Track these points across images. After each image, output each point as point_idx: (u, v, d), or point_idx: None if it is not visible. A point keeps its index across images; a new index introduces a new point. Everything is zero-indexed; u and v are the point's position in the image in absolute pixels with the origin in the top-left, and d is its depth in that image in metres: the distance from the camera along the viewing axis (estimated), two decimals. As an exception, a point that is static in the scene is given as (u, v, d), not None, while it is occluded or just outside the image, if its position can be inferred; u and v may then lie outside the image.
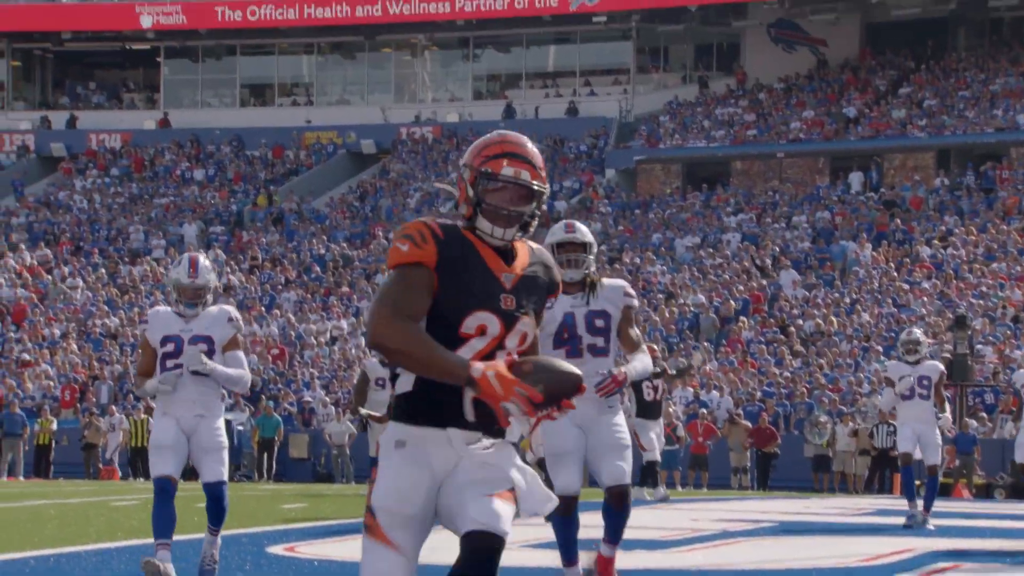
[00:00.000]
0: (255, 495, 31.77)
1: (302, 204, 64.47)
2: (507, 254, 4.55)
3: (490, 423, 4.45)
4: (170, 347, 11.87)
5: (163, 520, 11.87)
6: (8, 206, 65.74)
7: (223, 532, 15.34)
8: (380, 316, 4.36)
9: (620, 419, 10.56)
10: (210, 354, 11.93)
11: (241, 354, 12.63)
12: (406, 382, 4.56)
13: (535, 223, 4.62)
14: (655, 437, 25.39)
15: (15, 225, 64.22)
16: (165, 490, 11.85)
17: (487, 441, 4.44)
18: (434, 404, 4.46)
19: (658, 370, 22.81)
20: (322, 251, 59.62)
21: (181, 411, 11.97)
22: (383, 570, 4.38)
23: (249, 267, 58.00)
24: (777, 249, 50.80)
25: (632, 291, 10.88)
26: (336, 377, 48.74)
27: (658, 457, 26.75)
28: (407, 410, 4.55)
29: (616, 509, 10.32)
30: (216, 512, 12.33)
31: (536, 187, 4.53)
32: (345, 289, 57.43)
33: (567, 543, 10.79)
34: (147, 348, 12.13)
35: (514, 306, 4.49)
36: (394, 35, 70.78)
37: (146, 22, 66.77)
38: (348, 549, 16.04)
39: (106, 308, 55.08)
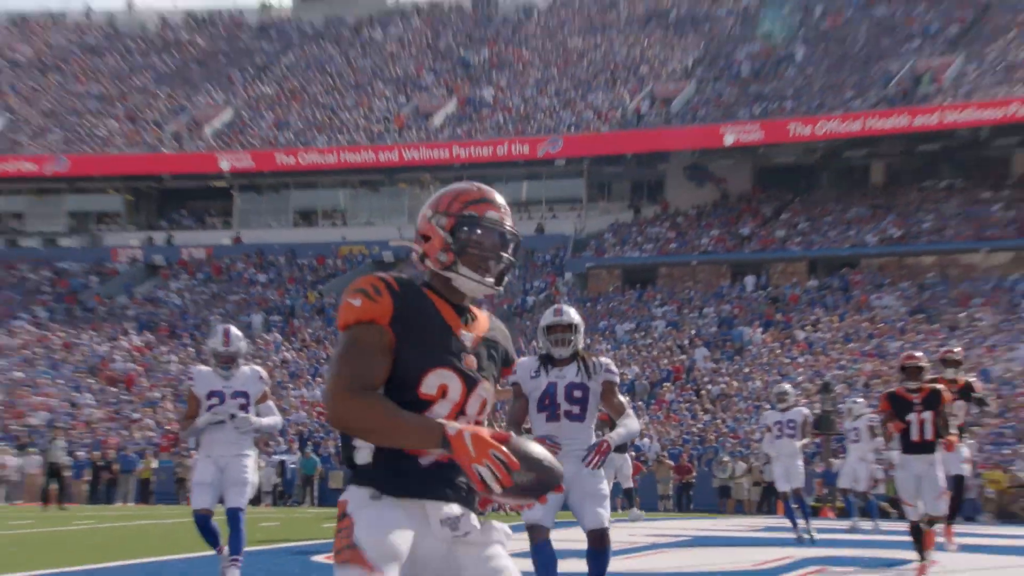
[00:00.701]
0: (302, 518, 32.19)
1: (338, 299, 62.55)
2: (465, 314, 3.89)
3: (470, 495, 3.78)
4: (215, 400, 11.99)
5: (208, 538, 12.30)
6: (122, 302, 63.01)
7: (277, 545, 17.93)
8: (337, 394, 3.54)
9: (600, 472, 9.88)
10: (246, 407, 12.03)
11: (271, 403, 12.64)
12: (364, 454, 3.74)
13: (510, 271, 4.00)
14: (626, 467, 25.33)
15: (128, 316, 61.82)
16: (202, 520, 12.03)
17: (471, 520, 3.68)
18: (400, 474, 3.69)
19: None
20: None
21: (219, 451, 12.13)
22: None
23: (300, 346, 56.57)
24: (693, 332, 51.62)
25: (614, 368, 10.20)
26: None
27: (631, 484, 26.62)
28: (373, 482, 3.69)
29: (597, 549, 9.86)
30: (235, 541, 12.26)
31: (514, 233, 3.95)
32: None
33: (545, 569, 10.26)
34: (192, 400, 12.03)
35: (475, 367, 3.81)
36: (407, 174, 67.00)
37: (224, 166, 65.58)
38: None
39: (192, 377, 55.28)
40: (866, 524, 25.55)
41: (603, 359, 10.12)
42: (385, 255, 63.82)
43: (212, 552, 12.36)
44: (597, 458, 9.18)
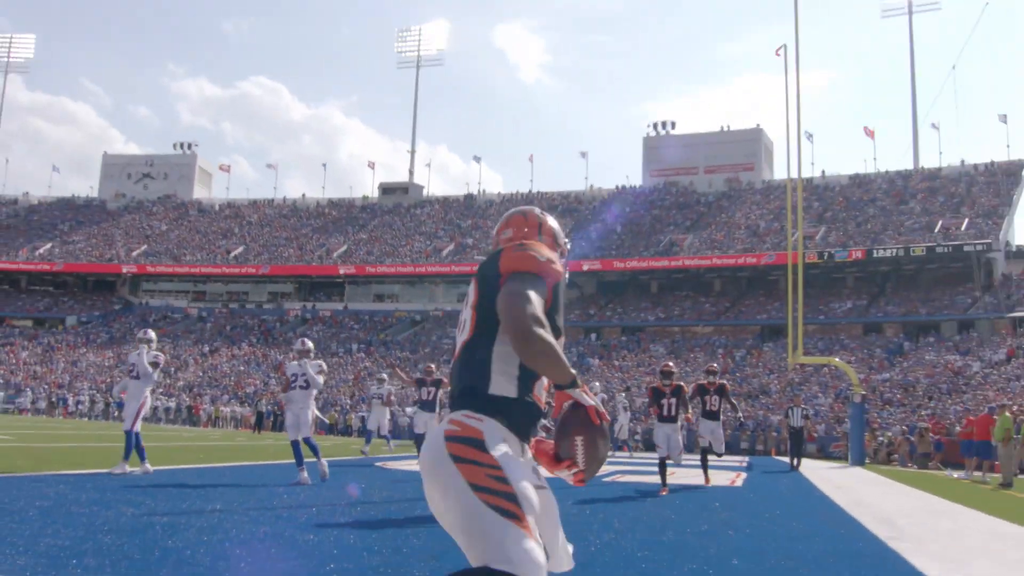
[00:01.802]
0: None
1: (392, 339, 72.24)
2: None
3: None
4: (296, 378, 13.74)
5: (297, 456, 13.72)
6: (290, 337, 73.82)
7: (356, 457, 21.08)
8: (533, 324, 3.14)
9: None
10: (307, 382, 13.70)
11: (320, 377, 14.02)
12: (506, 386, 3.32)
13: None
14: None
15: (291, 343, 67.82)
16: (294, 445, 13.55)
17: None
18: (529, 415, 3.36)
19: None
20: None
21: (295, 407, 13.73)
22: (540, 564, 3.03)
23: (374, 358, 65.70)
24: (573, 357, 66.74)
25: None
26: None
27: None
28: (509, 417, 3.30)
29: None
30: (299, 453, 13.67)
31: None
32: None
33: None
34: (285, 378, 13.83)
35: None
36: (429, 279, 79.93)
37: (341, 271, 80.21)
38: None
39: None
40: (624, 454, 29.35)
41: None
42: (416, 318, 76.56)
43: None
44: None
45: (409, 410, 46.50)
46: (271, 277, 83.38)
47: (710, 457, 17.78)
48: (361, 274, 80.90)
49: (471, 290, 3.52)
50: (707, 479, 16.78)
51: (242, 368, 67.77)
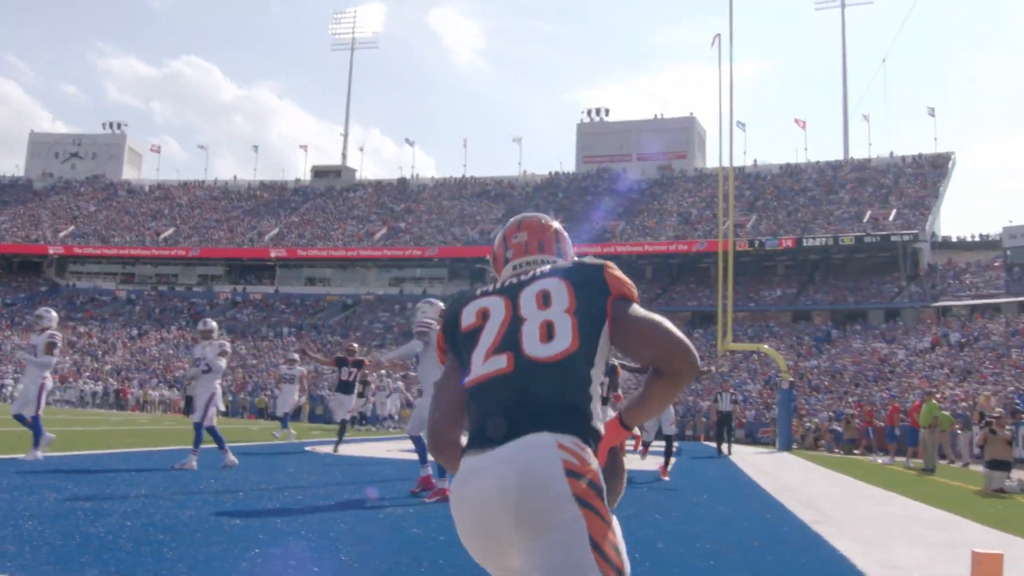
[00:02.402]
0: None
1: (324, 324, 72.39)
2: None
3: None
4: (199, 362, 13.04)
5: (216, 439, 13.29)
6: (221, 319, 71.80)
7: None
8: (694, 352, 2.79)
9: None
10: (209, 366, 12.92)
11: (222, 360, 13.08)
12: (600, 425, 2.77)
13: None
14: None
15: (222, 325, 68.40)
16: (197, 428, 12.73)
17: None
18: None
19: None
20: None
21: (196, 391, 13.27)
22: None
23: (305, 343, 64.03)
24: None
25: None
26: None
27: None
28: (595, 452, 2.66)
29: None
30: (217, 436, 13.06)
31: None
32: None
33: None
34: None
35: None
36: (361, 262, 79.86)
37: (272, 254, 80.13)
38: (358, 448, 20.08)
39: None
40: None
41: None
42: (347, 302, 76.25)
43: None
44: None
45: (326, 394, 46.70)
46: (201, 259, 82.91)
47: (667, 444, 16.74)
48: (292, 257, 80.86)
49: (557, 290, 2.88)
50: (665, 469, 15.43)
51: (171, 351, 67.07)
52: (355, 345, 19.95)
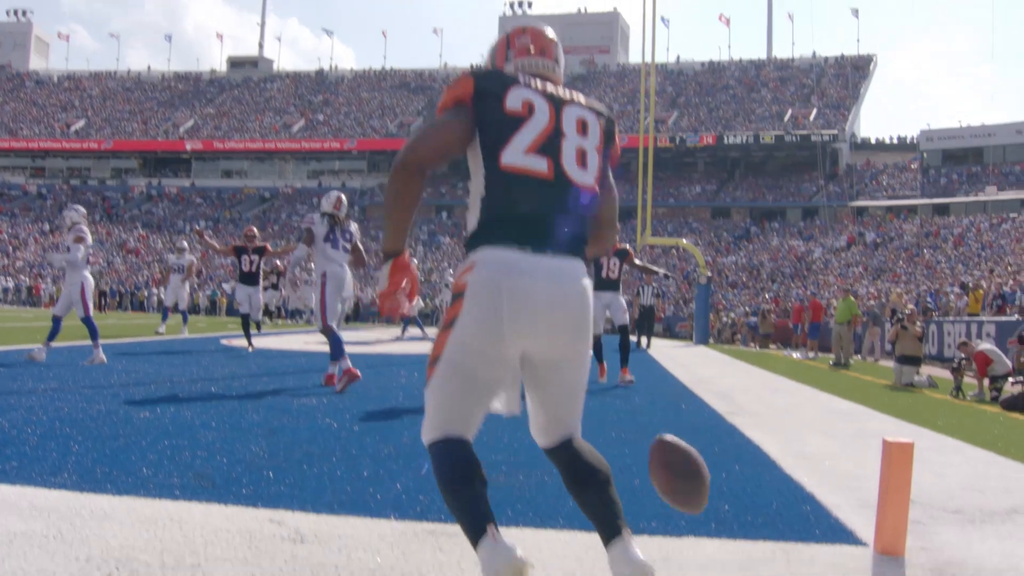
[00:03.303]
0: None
1: (242, 217, 71.98)
2: None
3: None
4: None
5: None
6: (136, 213, 73.54)
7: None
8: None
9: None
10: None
11: (78, 248, 12.23)
12: None
13: None
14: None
15: (137, 219, 72.52)
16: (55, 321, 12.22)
17: None
18: None
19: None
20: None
21: (65, 285, 12.57)
22: None
23: (221, 237, 65.06)
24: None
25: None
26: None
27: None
28: None
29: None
30: (92, 328, 12.45)
31: None
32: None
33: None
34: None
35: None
36: (279, 155, 79.96)
37: (188, 147, 79.11)
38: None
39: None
40: None
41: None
42: (265, 195, 76.30)
43: None
44: None
45: (227, 286, 45.75)
46: (114, 152, 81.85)
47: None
48: (208, 150, 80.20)
49: (593, 126, 3.20)
50: (603, 367, 13.24)
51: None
52: (255, 230, 17.69)
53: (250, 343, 16.69)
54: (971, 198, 59.95)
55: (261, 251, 16.83)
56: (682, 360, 20.55)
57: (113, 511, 4.13)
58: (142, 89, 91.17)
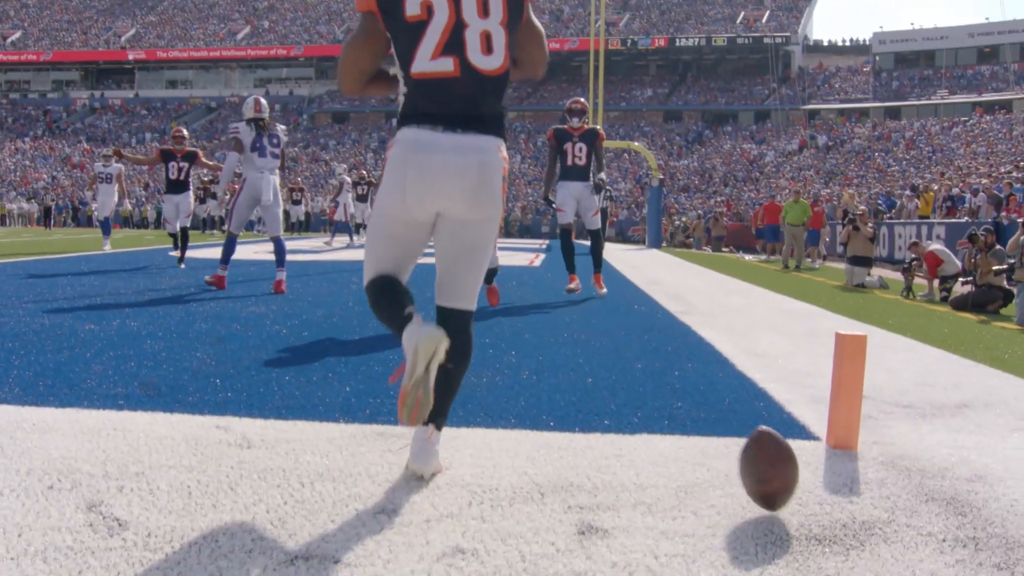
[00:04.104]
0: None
1: (188, 128, 67.56)
2: None
3: None
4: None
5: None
6: (79, 126, 72.83)
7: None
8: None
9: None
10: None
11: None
12: None
13: None
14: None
15: (81, 131, 71.45)
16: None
17: None
18: None
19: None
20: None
21: None
22: None
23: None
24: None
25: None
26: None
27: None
28: None
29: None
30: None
31: None
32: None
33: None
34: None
35: None
36: (224, 63, 78.52)
37: (131, 56, 77.47)
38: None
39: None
40: None
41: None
42: (211, 104, 75.59)
43: None
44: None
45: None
46: (54, 64, 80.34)
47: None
48: (152, 59, 78.84)
49: (496, 4, 3.34)
50: (573, 279, 11.34)
51: (28, 163, 65.21)
52: (183, 130, 15.54)
53: (181, 260, 15.04)
54: (923, 101, 60.32)
55: (192, 157, 14.92)
56: (635, 263, 20.64)
57: (56, 423, 4.06)
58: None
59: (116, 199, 20.48)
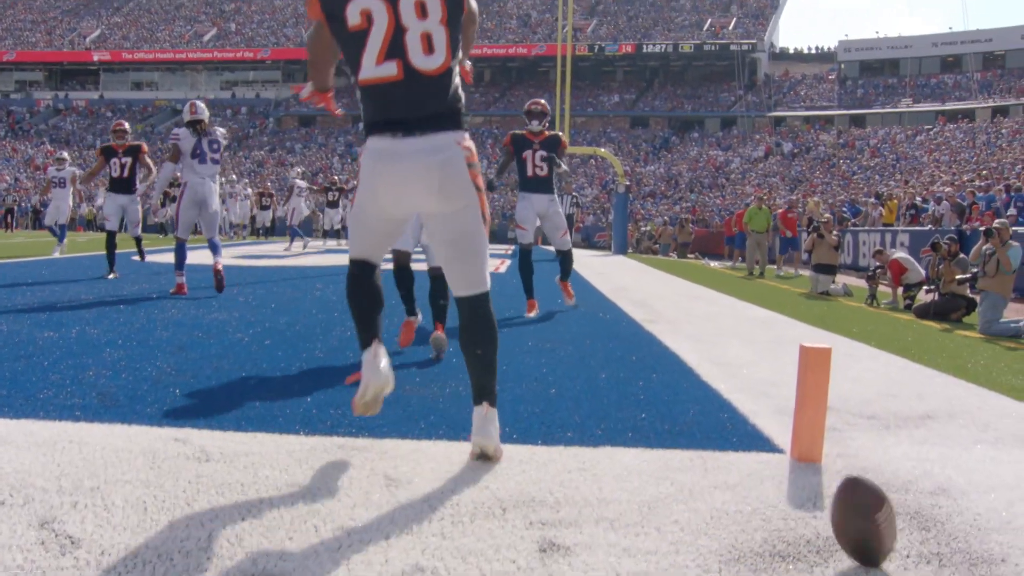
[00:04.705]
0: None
1: (155, 129, 69.20)
2: None
3: None
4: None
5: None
6: (43, 128, 72.04)
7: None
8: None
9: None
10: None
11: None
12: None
13: None
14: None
15: (43, 133, 71.12)
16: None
17: None
18: None
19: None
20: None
21: None
22: None
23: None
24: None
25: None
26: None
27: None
28: None
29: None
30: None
31: None
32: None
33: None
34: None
35: None
36: (190, 65, 77.43)
37: (95, 57, 76.86)
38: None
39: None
40: None
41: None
42: (177, 107, 71.27)
43: None
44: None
45: (100, 201, 40.70)
46: (17, 64, 79.68)
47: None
48: (117, 60, 78.33)
49: (435, 3, 3.57)
50: (531, 305, 10.05)
51: (-10, 156, 62.74)
52: (125, 125, 14.29)
53: (112, 266, 13.44)
54: (887, 110, 60.72)
55: (134, 151, 13.61)
56: (601, 269, 20.58)
57: (9, 435, 3.98)
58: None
59: (71, 203, 19.96)
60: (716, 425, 4.79)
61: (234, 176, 38.69)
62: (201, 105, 10.98)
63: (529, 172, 9.91)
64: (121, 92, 78.95)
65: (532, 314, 9.83)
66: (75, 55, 78.47)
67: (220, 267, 10.72)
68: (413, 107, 3.54)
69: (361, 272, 3.87)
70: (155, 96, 77.60)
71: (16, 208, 50.00)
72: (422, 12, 3.52)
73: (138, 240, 15.04)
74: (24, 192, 55.31)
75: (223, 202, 31.23)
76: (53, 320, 8.09)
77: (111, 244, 13.51)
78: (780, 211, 24.84)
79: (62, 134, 70.29)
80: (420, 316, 7.12)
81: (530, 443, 4.24)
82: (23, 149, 67.31)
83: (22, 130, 72.52)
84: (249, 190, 35.91)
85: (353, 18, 3.50)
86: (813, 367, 4.08)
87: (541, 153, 9.89)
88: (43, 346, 6.56)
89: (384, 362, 3.63)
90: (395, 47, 3.49)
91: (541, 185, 9.92)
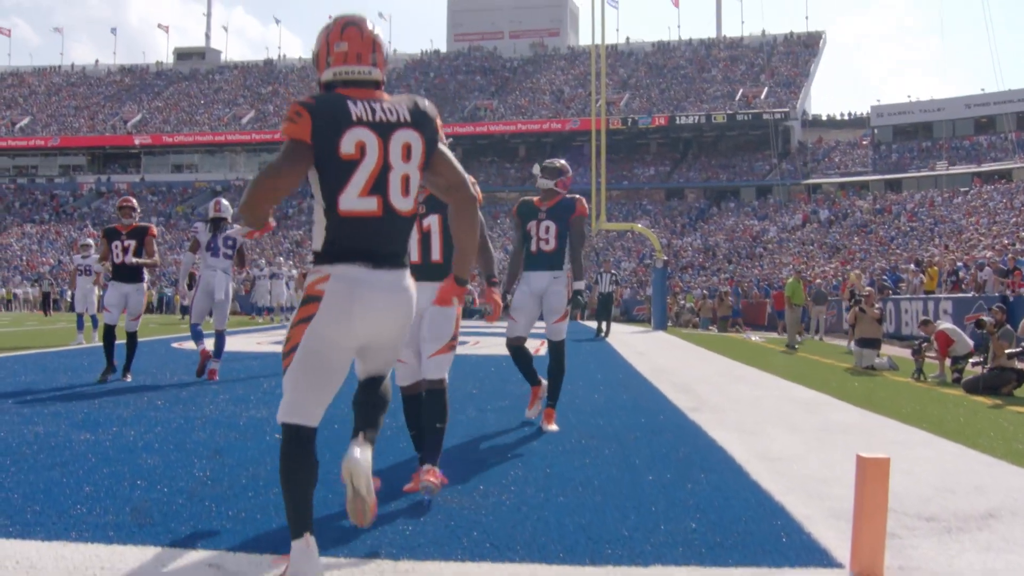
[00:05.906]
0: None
1: (195, 211, 69.35)
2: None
3: None
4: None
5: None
6: (86, 211, 72.98)
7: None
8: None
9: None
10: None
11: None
12: None
13: None
14: None
15: (87, 215, 72.49)
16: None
17: None
18: None
19: None
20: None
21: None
22: None
23: (175, 231, 66.32)
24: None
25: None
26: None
27: None
28: None
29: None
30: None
31: None
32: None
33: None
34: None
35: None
36: (230, 147, 78.48)
37: (136, 141, 77.88)
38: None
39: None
40: None
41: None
42: (216, 188, 74.01)
43: None
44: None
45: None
46: (62, 149, 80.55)
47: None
48: (158, 144, 79.21)
49: (416, 145, 3.74)
50: (536, 394, 8.43)
51: (34, 247, 65.51)
52: (132, 201, 12.45)
53: (110, 365, 11.75)
54: (923, 173, 60.27)
55: (140, 234, 11.83)
56: (640, 348, 20.44)
57: (41, 560, 3.86)
58: (88, 84, 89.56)
59: (98, 292, 18.95)
60: (770, 534, 4.59)
61: (280, 258, 38.57)
62: (225, 203, 11.48)
63: (533, 247, 8.13)
64: (162, 175, 79.85)
65: (531, 411, 8.34)
66: (117, 139, 79.74)
67: (216, 375, 11.44)
68: (385, 243, 3.68)
69: (301, 441, 3.72)
70: (195, 178, 78.41)
71: (59, 292, 50.50)
72: (407, 155, 3.67)
73: (132, 336, 12.03)
74: (66, 275, 55.54)
75: (268, 285, 32.12)
76: (91, 419, 7.96)
77: (109, 339, 11.73)
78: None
79: (104, 217, 70.98)
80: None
81: (577, 563, 4.06)
82: (67, 232, 68.03)
83: (65, 213, 73.60)
84: (295, 271, 35.54)
85: (348, 147, 3.54)
86: (871, 478, 3.92)
87: (548, 224, 8.07)
88: (79, 450, 6.43)
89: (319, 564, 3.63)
90: (379, 184, 3.60)
91: (544, 261, 8.10)
